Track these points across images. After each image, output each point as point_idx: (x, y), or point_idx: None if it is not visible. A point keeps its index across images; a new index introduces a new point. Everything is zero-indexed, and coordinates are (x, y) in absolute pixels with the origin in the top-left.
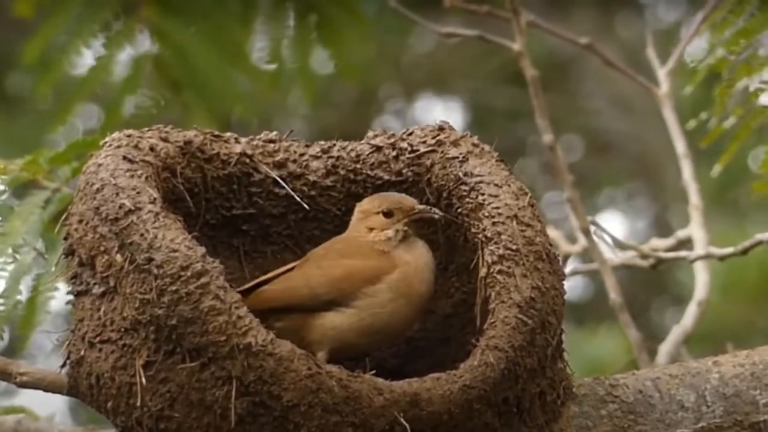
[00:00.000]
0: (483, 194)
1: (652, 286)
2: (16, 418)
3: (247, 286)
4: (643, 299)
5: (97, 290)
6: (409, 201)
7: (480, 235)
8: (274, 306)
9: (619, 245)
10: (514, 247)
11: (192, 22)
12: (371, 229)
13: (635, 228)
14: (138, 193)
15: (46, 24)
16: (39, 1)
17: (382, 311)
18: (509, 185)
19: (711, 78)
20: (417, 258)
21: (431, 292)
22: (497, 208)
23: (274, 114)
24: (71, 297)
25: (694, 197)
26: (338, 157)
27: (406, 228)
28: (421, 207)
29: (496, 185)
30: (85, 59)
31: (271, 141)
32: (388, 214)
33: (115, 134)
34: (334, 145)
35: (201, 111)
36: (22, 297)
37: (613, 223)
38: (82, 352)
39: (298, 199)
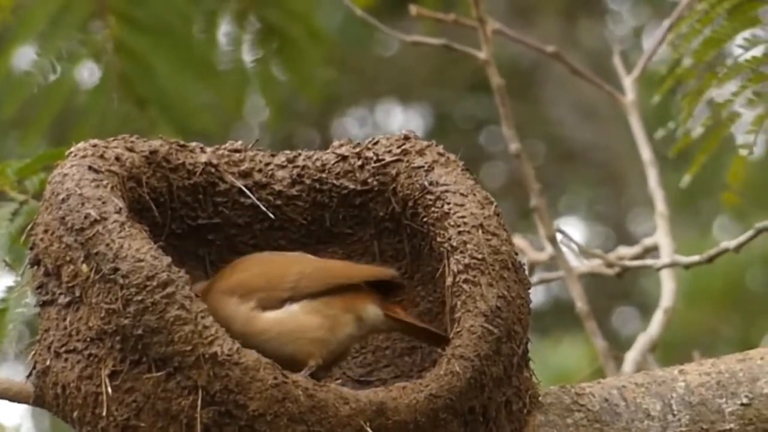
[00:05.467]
0: (448, 203)
1: (615, 295)
2: None
3: None
4: (605, 307)
5: (62, 300)
6: None
7: (445, 245)
8: None
9: (584, 253)
10: (479, 256)
11: (156, 38)
12: None
13: (597, 234)
14: (103, 203)
15: (11, 41)
16: (3, 18)
17: None
18: (475, 194)
19: (675, 85)
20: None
21: None
22: (463, 217)
23: (237, 123)
24: (37, 306)
25: (660, 205)
26: (304, 167)
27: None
28: None
29: (461, 194)
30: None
31: (237, 150)
32: None
33: (81, 144)
34: (300, 154)
35: (167, 126)
36: None
37: (575, 230)
38: (48, 362)
39: (263, 208)
